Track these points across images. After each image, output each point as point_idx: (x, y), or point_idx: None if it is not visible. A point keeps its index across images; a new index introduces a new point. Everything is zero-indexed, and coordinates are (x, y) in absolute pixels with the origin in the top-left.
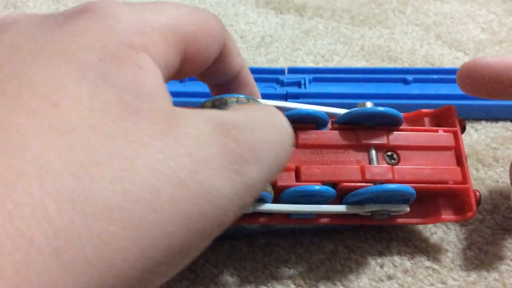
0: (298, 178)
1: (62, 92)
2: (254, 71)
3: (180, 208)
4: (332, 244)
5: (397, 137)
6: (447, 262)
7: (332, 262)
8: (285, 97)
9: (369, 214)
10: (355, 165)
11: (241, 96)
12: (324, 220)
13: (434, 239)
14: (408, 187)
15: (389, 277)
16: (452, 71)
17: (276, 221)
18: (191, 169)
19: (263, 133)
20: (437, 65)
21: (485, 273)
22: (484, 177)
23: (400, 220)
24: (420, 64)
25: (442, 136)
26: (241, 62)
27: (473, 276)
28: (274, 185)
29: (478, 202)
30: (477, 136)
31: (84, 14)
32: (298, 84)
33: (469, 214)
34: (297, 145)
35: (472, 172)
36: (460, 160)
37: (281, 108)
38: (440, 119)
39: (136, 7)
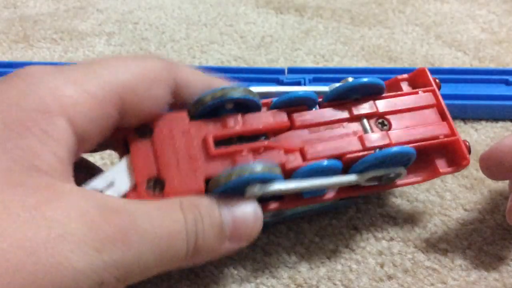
0: (303, 158)
1: None
2: (254, 71)
3: (26, 273)
4: (333, 244)
5: (384, 104)
6: (447, 262)
7: (333, 262)
8: None
9: (375, 182)
10: (353, 136)
11: (239, 87)
12: (331, 195)
13: (434, 238)
14: (409, 148)
15: (389, 277)
16: (452, 71)
17: (288, 204)
18: (47, 240)
19: (148, 224)
20: (437, 65)
21: (485, 273)
22: (484, 177)
23: (401, 182)
24: (420, 64)
25: (422, 96)
26: (205, 80)
27: (473, 276)
28: (283, 168)
29: (469, 150)
30: (477, 136)
31: (10, 80)
32: (298, 84)
33: (464, 162)
34: (295, 127)
35: (472, 172)
36: (443, 115)
37: (271, 94)
38: (416, 82)
39: (65, 70)
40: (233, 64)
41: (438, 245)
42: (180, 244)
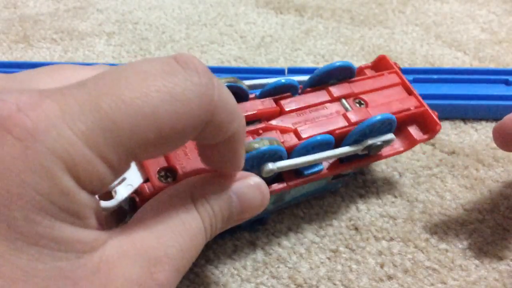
0: (298, 138)
1: None
2: (254, 71)
3: None
4: (333, 244)
5: (357, 85)
6: (447, 262)
7: (333, 262)
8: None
9: (366, 152)
10: (337, 115)
11: (228, 77)
12: (327, 172)
13: (434, 239)
14: (390, 114)
15: (389, 277)
16: (452, 71)
17: (291, 184)
18: None
19: (178, 254)
20: (437, 65)
21: (485, 273)
22: (484, 177)
23: (386, 154)
24: (420, 64)
25: (388, 77)
26: (232, 128)
27: (473, 276)
28: None
29: (438, 118)
30: (477, 136)
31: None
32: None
33: (437, 127)
34: (284, 112)
35: (472, 172)
36: (409, 91)
37: (253, 86)
38: (379, 69)
39: (72, 122)
40: (233, 64)
41: (438, 245)
42: (201, 239)
